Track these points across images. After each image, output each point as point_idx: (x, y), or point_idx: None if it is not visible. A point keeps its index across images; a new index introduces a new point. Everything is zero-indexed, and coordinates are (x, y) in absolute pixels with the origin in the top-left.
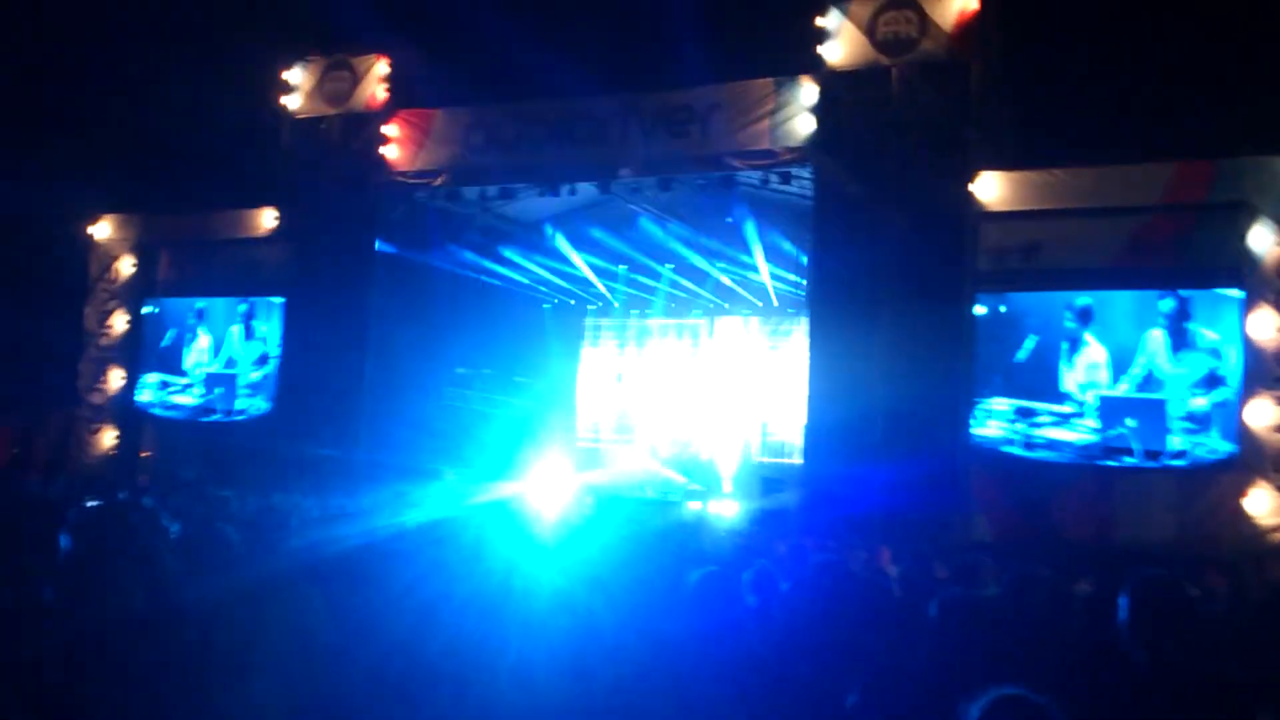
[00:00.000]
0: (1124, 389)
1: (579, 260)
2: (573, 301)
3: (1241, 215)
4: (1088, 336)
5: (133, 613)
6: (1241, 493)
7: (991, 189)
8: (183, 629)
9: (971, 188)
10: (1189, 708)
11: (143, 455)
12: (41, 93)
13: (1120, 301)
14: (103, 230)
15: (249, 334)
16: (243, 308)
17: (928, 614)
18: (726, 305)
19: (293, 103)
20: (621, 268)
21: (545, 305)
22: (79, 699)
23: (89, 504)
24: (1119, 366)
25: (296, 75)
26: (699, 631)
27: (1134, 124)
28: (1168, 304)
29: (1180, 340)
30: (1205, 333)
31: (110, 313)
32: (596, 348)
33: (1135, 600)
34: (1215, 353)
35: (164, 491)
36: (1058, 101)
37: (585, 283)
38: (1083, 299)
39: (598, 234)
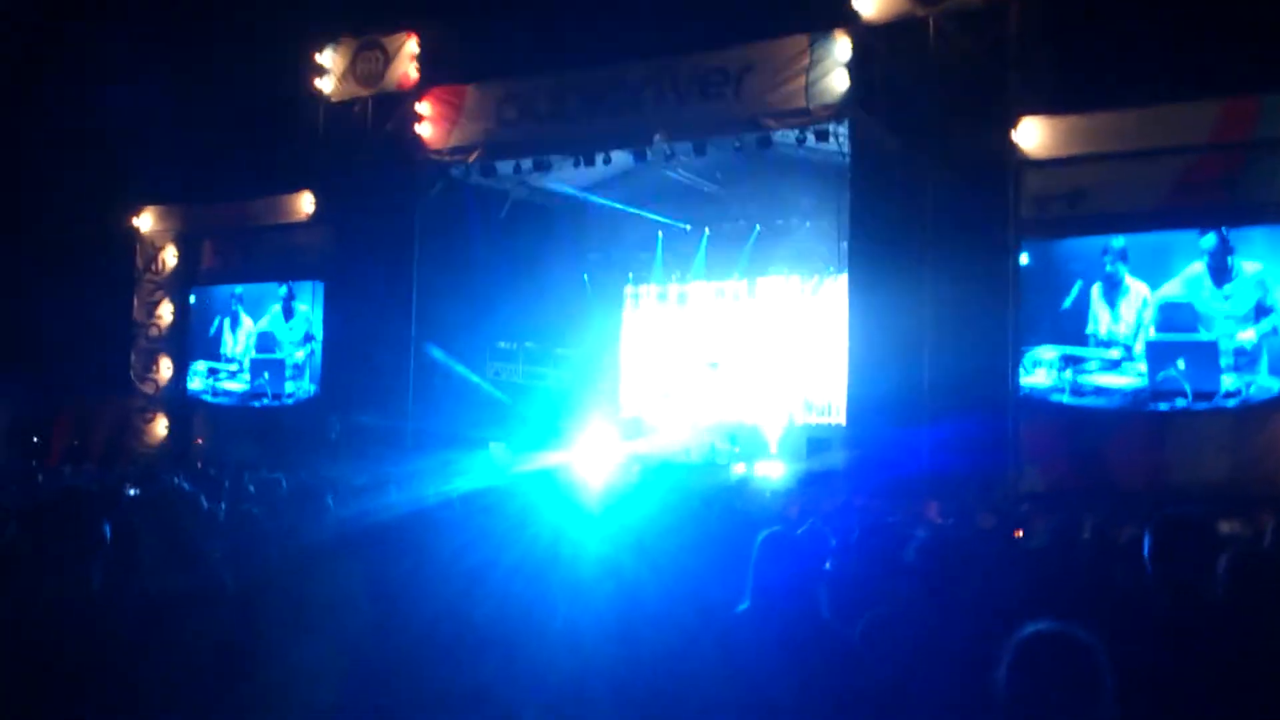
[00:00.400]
0: (1151, 312)
1: (617, 227)
2: (615, 269)
3: None
4: (1128, 278)
5: (177, 592)
6: None
7: (1033, 135)
8: (232, 605)
9: (1013, 135)
10: (1215, 645)
11: (196, 442)
12: (80, 88)
13: (1160, 238)
14: (146, 222)
15: (289, 314)
16: (282, 290)
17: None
18: (767, 266)
19: (326, 86)
20: (659, 234)
21: (584, 275)
22: (129, 677)
23: (130, 492)
24: (1171, 299)
25: (328, 58)
26: (749, 593)
27: (1177, 62)
28: (1209, 240)
29: (1223, 274)
30: (1246, 265)
31: (157, 303)
32: (637, 314)
33: (1157, 539)
34: (1261, 284)
35: (213, 475)
36: (1099, 42)
37: (624, 250)
38: (1119, 240)
39: (634, 200)
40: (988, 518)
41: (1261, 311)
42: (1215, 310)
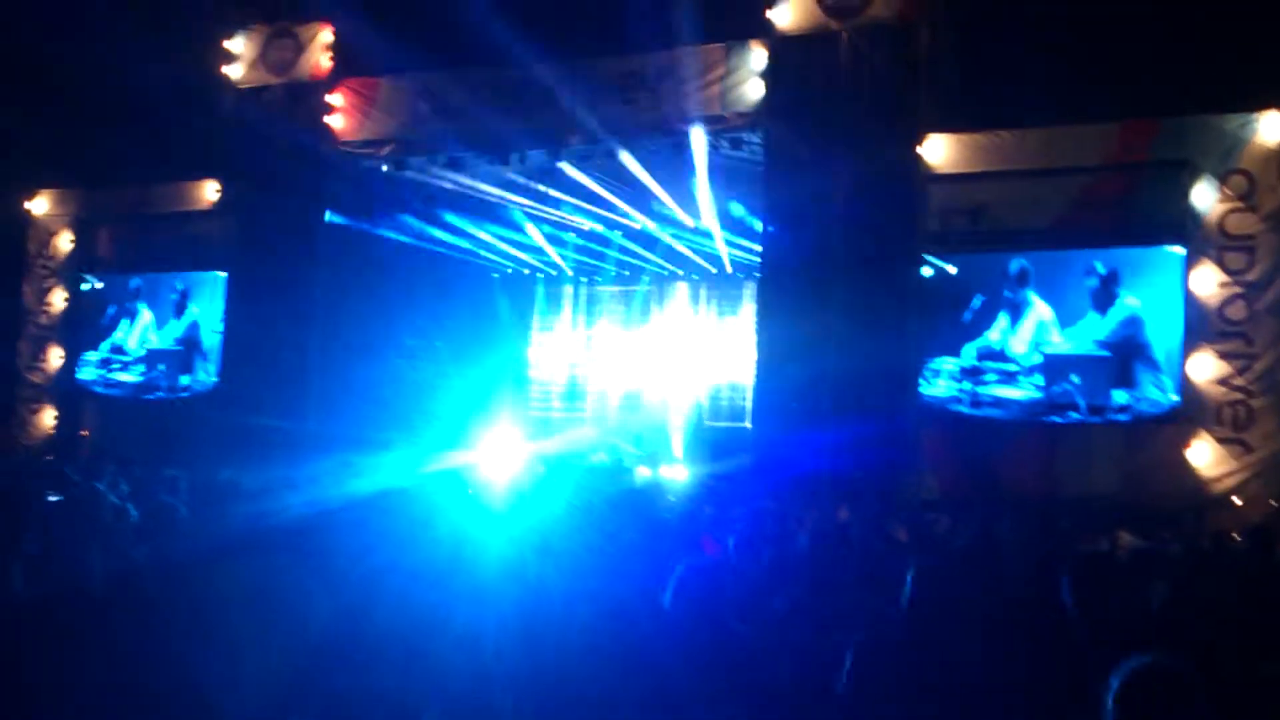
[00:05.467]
0: (1048, 331)
1: (529, 228)
2: (525, 271)
3: (1184, 173)
4: (1033, 296)
5: (96, 594)
6: (1184, 445)
7: (939, 151)
8: (143, 606)
9: (919, 150)
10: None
11: (83, 434)
12: None
13: (1060, 260)
14: (40, 206)
15: (180, 313)
16: (176, 293)
17: (896, 576)
18: (678, 272)
19: (235, 72)
20: (570, 235)
21: (495, 275)
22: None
23: (51, 498)
24: (1064, 323)
25: (239, 44)
26: (648, 597)
27: (1080, 84)
28: (1091, 281)
29: (1106, 303)
30: (1128, 300)
31: (49, 290)
32: (547, 316)
33: (1075, 579)
34: (1135, 319)
35: (113, 473)
36: (1005, 63)
37: (535, 251)
38: (1017, 261)
39: (545, 202)
40: (901, 530)
41: (1138, 346)
42: (1100, 332)
